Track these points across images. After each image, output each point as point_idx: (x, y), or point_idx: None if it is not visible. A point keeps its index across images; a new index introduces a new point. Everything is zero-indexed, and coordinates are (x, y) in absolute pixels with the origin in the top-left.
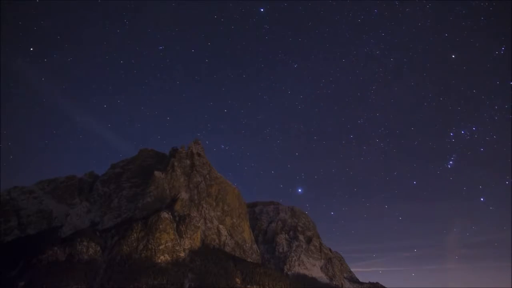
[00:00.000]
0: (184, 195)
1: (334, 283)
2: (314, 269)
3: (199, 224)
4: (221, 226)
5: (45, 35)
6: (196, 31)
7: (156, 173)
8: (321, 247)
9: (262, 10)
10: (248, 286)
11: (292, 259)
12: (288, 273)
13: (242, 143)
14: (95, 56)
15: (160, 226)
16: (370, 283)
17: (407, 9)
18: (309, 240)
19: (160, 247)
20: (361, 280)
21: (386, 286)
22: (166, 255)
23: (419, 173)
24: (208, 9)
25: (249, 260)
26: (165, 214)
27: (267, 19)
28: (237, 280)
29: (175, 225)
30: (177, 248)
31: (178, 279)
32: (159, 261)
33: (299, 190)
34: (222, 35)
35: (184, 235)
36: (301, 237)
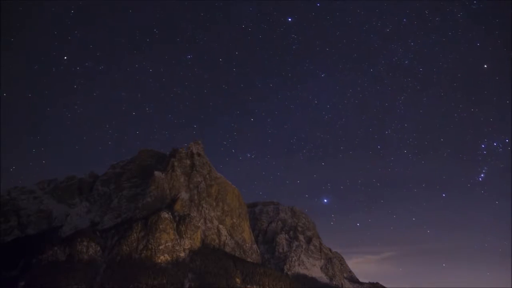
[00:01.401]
0: (184, 195)
1: (334, 283)
2: (314, 269)
3: (199, 224)
4: (221, 226)
5: (78, 44)
6: (224, 40)
7: (156, 173)
8: (321, 247)
9: (289, 19)
10: (248, 286)
11: (292, 259)
12: (288, 273)
13: (268, 152)
14: (125, 65)
15: (160, 226)
16: (370, 283)
17: (437, 19)
18: (309, 240)
19: (160, 247)
20: (361, 280)
21: (386, 286)
22: (166, 255)
23: (448, 185)
24: (236, 19)
25: (249, 260)
26: (165, 214)
27: (294, 29)
28: (237, 280)
29: (175, 225)
30: (177, 248)
31: (178, 279)
32: (159, 261)
33: (325, 201)
34: (250, 44)
35: (184, 235)
36: (301, 237)
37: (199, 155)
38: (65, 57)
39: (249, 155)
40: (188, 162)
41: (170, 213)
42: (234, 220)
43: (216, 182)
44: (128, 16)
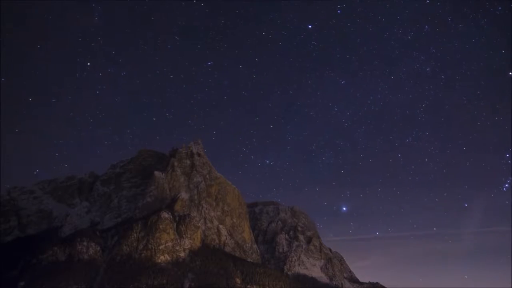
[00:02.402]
0: (184, 195)
1: (334, 283)
2: (314, 269)
3: (199, 224)
4: (221, 226)
5: (101, 51)
6: (244, 47)
7: (156, 173)
8: (321, 247)
9: (310, 26)
10: (248, 286)
11: (292, 259)
12: (288, 273)
13: (287, 159)
14: (146, 71)
15: (160, 226)
16: (370, 283)
17: (460, 25)
18: (309, 240)
19: (160, 247)
20: (361, 280)
21: (386, 286)
22: (166, 255)
23: (471, 195)
24: (256, 26)
25: (249, 260)
26: (165, 214)
27: (315, 36)
28: (237, 280)
29: (175, 225)
30: (177, 248)
31: (178, 279)
32: (159, 261)
33: (344, 209)
34: (270, 51)
35: (184, 235)
36: (301, 237)
37: (199, 155)
38: (88, 63)
39: (268, 161)
40: (188, 162)
41: (170, 213)
42: (234, 220)
43: (216, 182)
44: (150, 23)
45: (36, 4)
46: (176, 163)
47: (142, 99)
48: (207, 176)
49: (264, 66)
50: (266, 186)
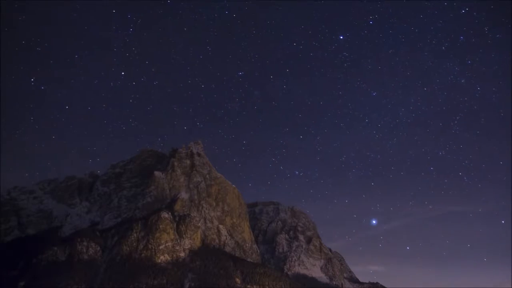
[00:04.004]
0: (184, 195)
1: (334, 283)
2: (314, 269)
3: (199, 224)
4: (221, 226)
5: (135, 60)
6: (275, 57)
7: (156, 173)
8: (321, 247)
9: (341, 37)
10: (248, 286)
11: (292, 259)
12: (288, 273)
13: (317, 170)
14: (177, 80)
15: (160, 226)
16: (370, 283)
17: (497, 35)
18: (309, 240)
19: (160, 247)
20: (361, 280)
21: (386, 286)
22: (166, 255)
23: (508, 211)
24: (287, 36)
25: (249, 260)
26: (165, 214)
27: (346, 47)
28: (237, 280)
29: (175, 225)
30: (177, 248)
31: (178, 279)
32: (159, 261)
33: (374, 222)
34: (301, 62)
35: (184, 235)
36: (301, 237)
37: (199, 155)
38: (123, 73)
39: (297, 172)
40: (188, 162)
41: (170, 213)
42: (234, 220)
43: (216, 182)
44: (182, 33)
45: (74, 14)
46: (176, 163)
47: (173, 108)
48: (207, 176)
49: (295, 76)
50: (296, 197)
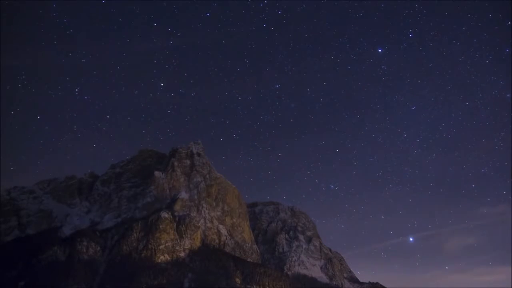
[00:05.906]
0: (184, 195)
1: (334, 283)
2: (314, 269)
3: (199, 224)
4: (221, 226)
5: (174, 72)
6: (313, 71)
7: (156, 173)
8: (321, 247)
9: (380, 50)
10: (248, 286)
11: (292, 259)
12: (288, 273)
13: (352, 185)
14: (216, 92)
15: (160, 226)
16: (370, 283)
17: None
18: (309, 240)
19: (160, 247)
20: (361, 280)
21: (386, 286)
22: (166, 255)
23: None
24: (323, 49)
25: (249, 260)
26: (165, 214)
27: (384, 60)
28: (237, 280)
29: (175, 225)
30: (177, 248)
31: (178, 279)
32: (159, 261)
33: (411, 239)
34: (338, 75)
35: (184, 235)
36: (301, 237)
37: (199, 155)
38: (162, 84)
39: (332, 186)
40: (188, 162)
41: (170, 213)
42: (234, 220)
43: (216, 182)
44: (221, 46)
45: (116, 27)
46: (176, 163)
47: (210, 119)
48: (207, 176)
49: (332, 90)
50: (330, 211)
